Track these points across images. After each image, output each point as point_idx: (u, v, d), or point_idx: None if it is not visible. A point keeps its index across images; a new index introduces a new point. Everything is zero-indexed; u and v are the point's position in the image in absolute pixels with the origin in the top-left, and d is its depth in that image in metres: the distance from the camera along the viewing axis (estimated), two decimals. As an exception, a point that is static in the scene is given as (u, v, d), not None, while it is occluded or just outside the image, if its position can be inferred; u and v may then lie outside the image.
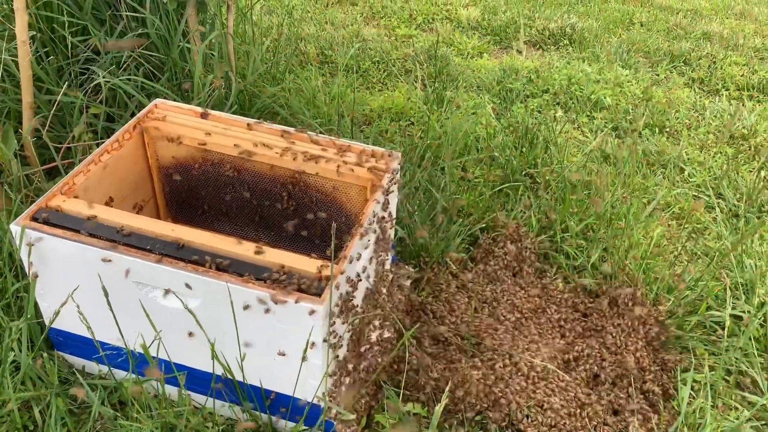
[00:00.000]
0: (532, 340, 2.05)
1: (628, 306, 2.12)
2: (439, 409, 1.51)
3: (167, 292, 1.55)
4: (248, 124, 1.94)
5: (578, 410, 1.85)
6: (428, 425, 1.74)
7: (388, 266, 1.93)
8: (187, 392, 1.70)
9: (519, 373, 1.92)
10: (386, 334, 1.86)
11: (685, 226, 2.65)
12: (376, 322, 1.82)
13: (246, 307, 1.49)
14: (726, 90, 3.67)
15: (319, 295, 1.47)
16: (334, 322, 1.53)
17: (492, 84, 3.50)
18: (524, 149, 2.83)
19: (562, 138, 3.04)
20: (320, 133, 1.96)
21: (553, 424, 1.81)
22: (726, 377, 2.03)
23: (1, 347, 1.69)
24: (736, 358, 2.05)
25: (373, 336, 1.82)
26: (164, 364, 1.67)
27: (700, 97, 3.58)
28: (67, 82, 2.35)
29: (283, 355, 1.55)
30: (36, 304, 1.72)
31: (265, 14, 3.93)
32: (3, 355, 1.65)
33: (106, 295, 1.50)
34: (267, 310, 1.48)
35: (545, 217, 2.48)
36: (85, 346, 1.75)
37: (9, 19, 2.37)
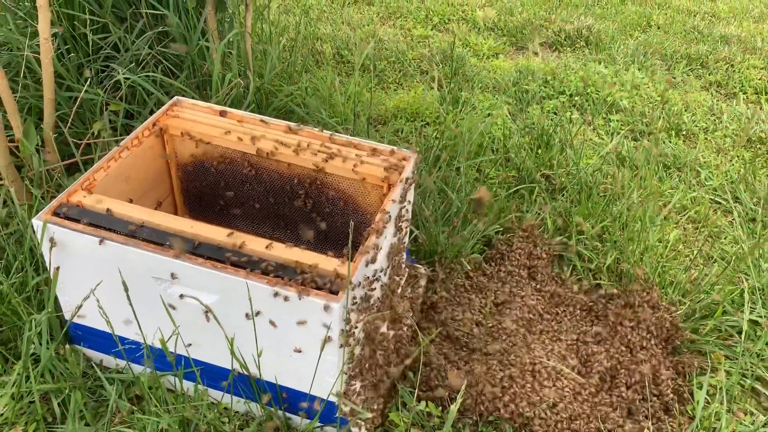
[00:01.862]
0: (545, 342, 2.05)
1: (643, 309, 2.11)
2: (454, 408, 1.51)
3: (184, 287, 1.56)
4: (268, 121, 1.95)
5: (592, 412, 1.85)
6: (442, 424, 1.75)
7: (403, 265, 1.94)
8: (204, 387, 1.72)
9: (532, 374, 1.92)
10: (399, 332, 1.86)
11: (702, 229, 2.64)
12: (391, 321, 1.83)
13: (257, 314, 1.51)
14: (744, 93, 3.65)
15: (335, 293, 1.48)
16: (350, 320, 1.54)
17: (508, 85, 3.50)
18: (540, 151, 2.83)
19: (578, 140, 3.03)
20: (336, 132, 1.97)
21: (566, 425, 1.81)
22: (742, 382, 2.02)
23: (22, 340, 1.71)
24: (753, 363, 2.03)
25: (388, 335, 1.82)
26: (182, 360, 1.69)
27: (718, 101, 3.55)
28: (87, 79, 2.38)
29: (300, 352, 1.56)
30: (56, 298, 1.74)
31: (282, 13, 3.95)
32: (24, 348, 1.67)
33: (126, 290, 1.51)
34: (284, 307, 1.49)
35: (560, 219, 2.48)
36: (103, 341, 1.77)
37: (32, 16, 2.40)
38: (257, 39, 2.96)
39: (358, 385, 1.68)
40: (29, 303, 1.84)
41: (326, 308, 1.46)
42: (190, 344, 1.66)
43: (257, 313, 1.53)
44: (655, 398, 1.92)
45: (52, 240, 1.60)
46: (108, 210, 1.62)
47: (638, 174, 2.79)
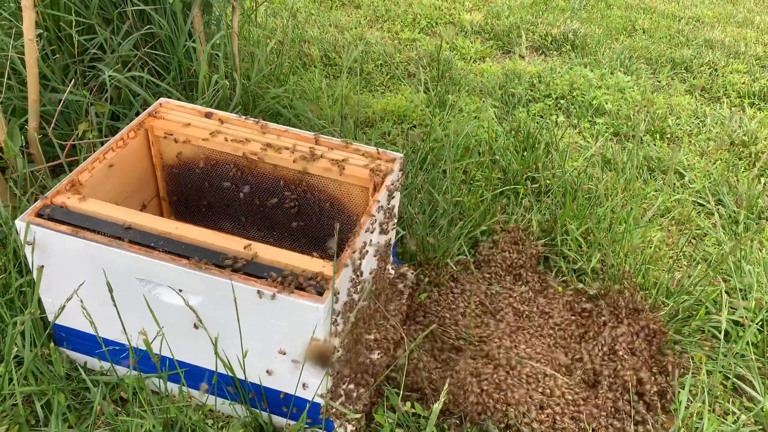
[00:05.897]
0: (530, 343, 2.07)
1: (627, 310, 2.13)
2: (436, 408, 1.52)
3: (170, 289, 1.56)
4: (255, 123, 1.96)
5: (576, 413, 1.86)
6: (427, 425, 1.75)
7: (388, 267, 1.94)
8: (189, 389, 1.71)
9: (517, 376, 1.93)
10: (384, 333, 1.87)
11: (685, 231, 2.67)
12: (376, 322, 1.83)
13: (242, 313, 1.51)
14: (727, 97, 3.69)
15: (320, 294, 1.48)
16: (335, 321, 1.54)
17: (494, 88, 3.52)
18: (525, 153, 2.85)
19: (564, 142, 3.06)
20: (323, 134, 1.97)
21: (550, 426, 1.82)
22: (724, 382, 2.04)
23: (5, 342, 1.70)
24: (734, 363, 2.06)
25: (372, 336, 1.83)
26: (167, 361, 1.68)
27: (701, 104, 3.59)
28: (72, 81, 2.37)
29: (284, 353, 1.56)
30: (39, 300, 1.73)
31: (269, 16, 3.95)
32: (6, 350, 1.66)
33: (110, 291, 1.51)
34: (268, 308, 1.49)
35: (546, 221, 2.50)
36: (87, 342, 1.76)
37: (16, 17, 2.39)
38: (244, 41, 2.96)
39: (343, 386, 1.68)
40: (12, 305, 1.83)
41: (311, 309, 1.46)
42: (174, 345, 1.66)
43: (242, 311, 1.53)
44: (638, 399, 1.94)
45: (33, 241, 1.59)
46: (92, 211, 1.62)
47: (623, 176, 2.81)
